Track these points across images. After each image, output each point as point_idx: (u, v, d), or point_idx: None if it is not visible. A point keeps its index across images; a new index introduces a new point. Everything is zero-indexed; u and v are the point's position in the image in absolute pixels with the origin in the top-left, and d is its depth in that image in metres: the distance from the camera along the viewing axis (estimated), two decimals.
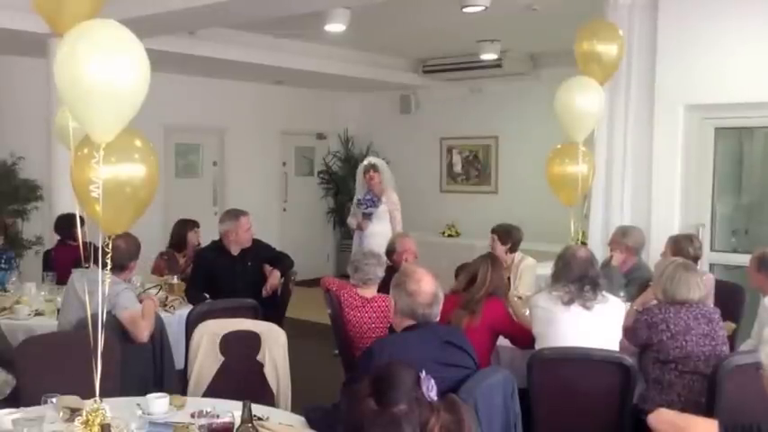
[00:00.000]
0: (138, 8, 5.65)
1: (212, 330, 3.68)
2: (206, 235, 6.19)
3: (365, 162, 7.41)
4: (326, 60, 8.80)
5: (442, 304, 2.97)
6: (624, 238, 4.97)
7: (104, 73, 2.54)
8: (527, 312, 4.07)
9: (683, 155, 5.56)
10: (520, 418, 3.05)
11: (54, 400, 2.82)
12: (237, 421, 2.51)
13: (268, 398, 3.47)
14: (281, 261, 5.57)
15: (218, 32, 7.43)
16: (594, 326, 3.65)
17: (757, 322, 4.00)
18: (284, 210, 10.89)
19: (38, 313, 4.70)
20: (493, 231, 5.46)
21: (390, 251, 5.29)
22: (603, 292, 3.74)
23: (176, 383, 3.84)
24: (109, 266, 2.75)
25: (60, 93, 2.65)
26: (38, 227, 7.59)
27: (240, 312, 4.22)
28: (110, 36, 2.60)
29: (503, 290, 4.14)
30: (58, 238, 5.98)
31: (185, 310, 4.60)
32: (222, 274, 5.24)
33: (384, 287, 4.28)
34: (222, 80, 9.54)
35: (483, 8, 6.17)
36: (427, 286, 2.90)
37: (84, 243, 3.39)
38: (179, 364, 3.99)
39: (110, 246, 2.76)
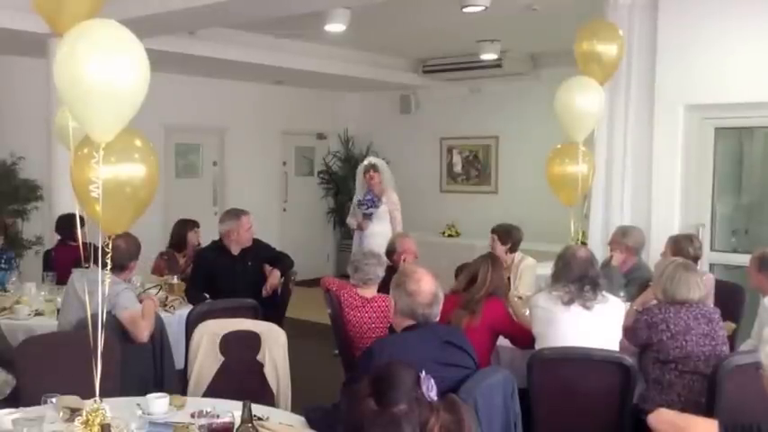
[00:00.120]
0: (138, 8, 5.65)
1: (212, 330, 3.68)
2: (206, 235, 6.19)
3: (365, 162, 7.41)
4: (326, 60, 8.80)
5: (441, 304, 2.97)
6: (624, 238, 4.97)
7: (104, 73, 2.54)
8: (527, 312, 4.06)
9: (683, 155, 5.56)
10: (520, 418, 3.05)
11: (54, 400, 2.82)
12: (237, 421, 2.51)
13: (268, 398, 3.47)
14: (281, 261, 5.57)
15: (218, 32, 7.43)
16: (594, 326, 3.65)
17: (757, 322, 3.99)
18: (284, 210, 10.89)
19: (38, 313, 4.70)
20: (493, 231, 5.46)
21: (390, 251, 5.29)
22: (603, 292, 3.74)
23: (176, 383, 3.84)
24: (109, 266, 2.75)
25: (60, 93, 2.65)
26: (38, 227, 7.59)
27: (240, 312, 4.22)
28: (109, 36, 2.60)
29: (503, 290, 4.14)
30: (59, 238, 5.98)
31: (185, 310, 4.60)
32: (222, 274, 5.24)
33: (384, 287, 4.28)
34: (222, 80, 9.55)
35: (483, 8, 6.16)
36: (427, 286, 2.90)
37: (84, 243, 3.39)
38: (179, 364, 3.99)
39: (110, 246, 2.76)
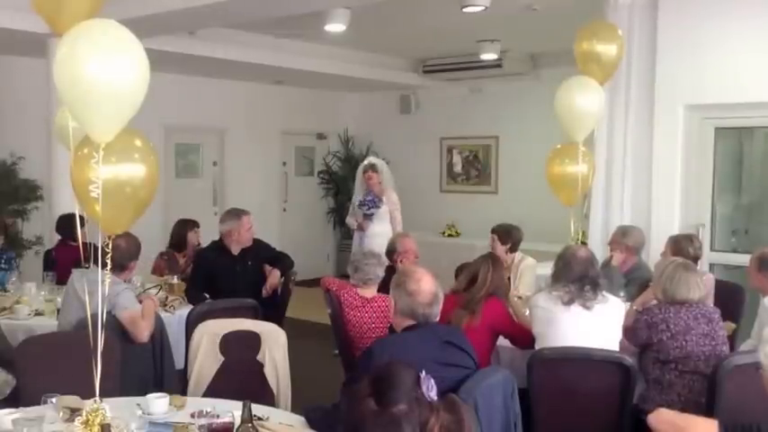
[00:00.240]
0: (138, 8, 5.65)
1: (212, 330, 3.68)
2: (206, 235, 6.19)
3: (365, 162, 7.42)
4: (326, 60, 8.80)
5: (441, 304, 2.97)
6: (624, 238, 4.97)
7: (104, 73, 2.54)
8: (527, 312, 4.06)
9: (683, 155, 5.56)
10: (520, 418, 3.05)
11: (54, 400, 2.81)
12: (237, 421, 2.51)
13: (268, 398, 3.47)
14: (281, 261, 5.57)
15: (218, 32, 7.43)
16: (594, 326, 3.65)
17: (757, 322, 3.99)
18: (284, 210, 10.89)
19: (38, 313, 4.70)
20: (493, 231, 5.46)
21: (391, 251, 5.29)
22: (603, 292, 3.74)
23: (176, 383, 3.84)
24: (109, 266, 2.75)
25: (60, 93, 2.65)
26: (38, 227, 7.59)
27: (240, 312, 4.22)
28: (109, 36, 2.60)
29: (503, 290, 4.14)
30: (59, 238, 5.98)
31: (185, 310, 4.60)
32: (222, 273, 5.24)
33: (384, 287, 4.28)
34: (222, 80, 9.55)
35: (483, 8, 6.16)
36: (427, 286, 2.91)
37: (85, 243, 3.38)
38: (179, 364, 3.99)
39: (110, 246, 2.76)
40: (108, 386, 2.77)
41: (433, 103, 10.58)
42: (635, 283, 4.70)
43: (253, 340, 3.65)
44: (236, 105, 9.93)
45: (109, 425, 2.54)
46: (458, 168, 10.55)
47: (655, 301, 3.83)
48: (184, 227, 6.28)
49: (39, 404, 2.81)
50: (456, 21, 6.98)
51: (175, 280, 5.26)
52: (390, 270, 4.69)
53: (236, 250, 5.37)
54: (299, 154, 11.12)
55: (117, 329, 3.74)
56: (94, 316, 2.75)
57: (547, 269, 4.21)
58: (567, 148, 4.88)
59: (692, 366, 3.53)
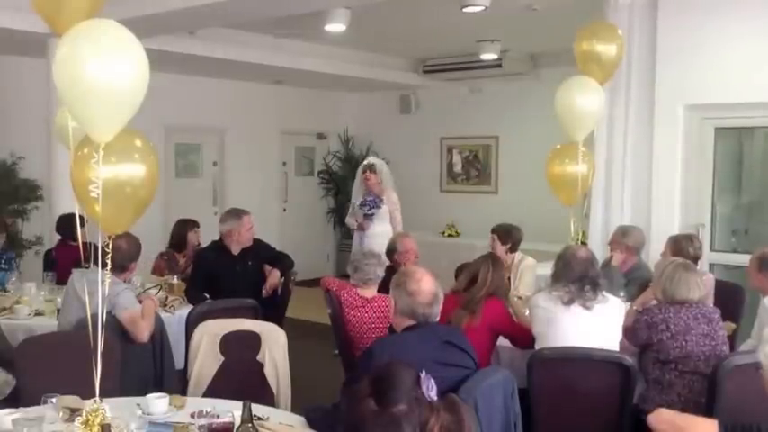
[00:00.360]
0: (138, 8, 5.65)
1: (212, 330, 3.68)
2: (206, 235, 6.19)
3: (365, 161, 7.42)
4: (326, 60, 8.80)
5: (442, 304, 2.97)
6: (624, 238, 4.97)
7: (104, 73, 2.54)
8: (527, 312, 4.06)
9: (683, 155, 5.56)
10: (520, 418, 3.05)
11: (54, 400, 2.81)
12: (237, 421, 2.51)
13: (268, 398, 3.47)
14: (281, 261, 5.57)
15: (218, 32, 7.42)
16: (594, 326, 3.65)
17: (757, 322, 3.99)
18: (284, 210, 10.89)
19: (38, 313, 4.70)
20: (493, 231, 5.46)
21: (391, 251, 5.29)
22: (603, 292, 3.74)
23: (176, 383, 3.84)
24: (109, 266, 2.75)
25: (60, 93, 2.65)
26: (38, 227, 7.59)
27: (240, 312, 4.22)
28: (109, 36, 2.60)
29: (503, 290, 4.14)
30: (59, 238, 5.98)
31: (185, 310, 4.60)
32: (222, 273, 5.24)
33: (384, 287, 4.28)
34: (222, 80, 9.54)
35: (483, 8, 6.17)
36: (427, 286, 2.91)
37: (85, 243, 3.38)
38: (179, 364, 3.99)
39: (110, 246, 2.76)
40: (108, 386, 2.77)
41: (433, 103, 10.58)
42: (635, 283, 4.70)
43: (253, 340, 3.65)
44: (236, 105, 9.93)
45: (109, 425, 2.54)
46: (458, 168, 10.55)
47: (655, 301, 3.83)
48: (184, 227, 6.27)
49: (39, 404, 2.81)
50: (456, 21, 6.98)
51: (175, 280, 5.26)
52: (390, 270, 4.69)
53: (236, 250, 5.37)
54: (299, 154, 11.12)
55: (117, 329, 3.75)
56: (94, 316, 2.75)
57: (547, 269, 4.21)
58: (567, 148, 4.88)
59: (692, 366, 3.53)
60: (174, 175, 9.60)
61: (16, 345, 3.72)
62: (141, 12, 5.69)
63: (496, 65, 8.86)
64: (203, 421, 2.73)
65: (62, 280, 4.90)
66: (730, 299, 4.59)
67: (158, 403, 2.86)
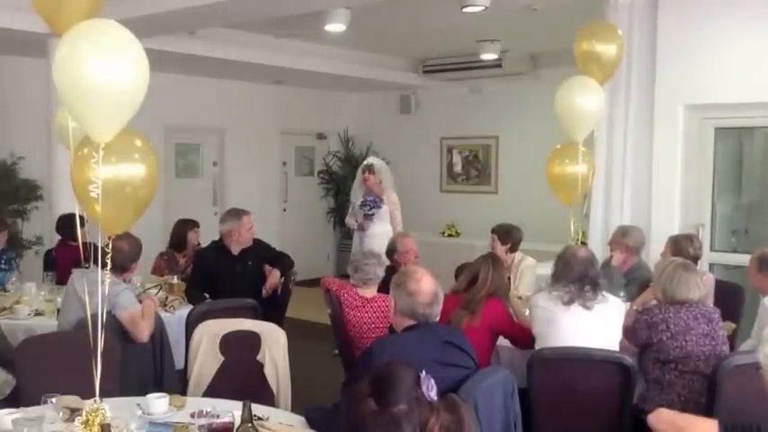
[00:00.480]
0: (138, 8, 5.65)
1: (212, 330, 3.68)
2: (206, 235, 6.19)
3: (364, 162, 7.42)
4: (326, 60, 8.80)
5: (442, 304, 2.97)
6: (624, 238, 4.97)
7: (104, 73, 2.54)
8: (527, 312, 4.06)
9: (683, 155, 5.56)
10: (520, 418, 3.05)
11: (54, 400, 2.81)
12: (237, 421, 2.51)
13: (268, 398, 3.47)
14: (281, 261, 5.57)
15: (218, 32, 7.42)
16: (594, 326, 3.65)
17: (757, 322, 3.99)
18: (284, 210, 10.89)
19: (38, 313, 4.70)
20: (493, 231, 5.46)
21: (391, 251, 5.29)
22: (603, 292, 3.74)
23: (176, 383, 3.84)
24: (109, 266, 2.75)
25: (60, 93, 2.65)
26: (38, 227, 7.59)
27: (240, 312, 4.22)
28: (109, 36, 2.60)
29: (503, 290, 4.14)
30: (59, 238, 5.98)
31: (185, 310, 4.60)
32: (222, 273, 5.24)
33: (384, 287, 4.28)
34: (222, 80, 9.54)
35: (483, 8, 6.16)
36: (427, 286, 2.91)
37: (85, 243, 3.39)
38: (179, 364, 3.99)
39: (110, 246, 2.76)
40: (108, 386, 2.77)
41: (433, 103, 10.58)
42: (635, 283, 4.70)
43: (253, 340, 3.65)
44: (236, 105, 9.93)
45: (109, 425, 2.54)
46: (458, 168, 10.55)
47: (654, 301, 3.83)
48: (184, 227, 6.27)
49: (39, 404, 2.81)
50: (456, 21, 6.98)
51: (175, 280, 5.26)
52: (390, 270, 4.69)
53: (236, 250, 5.37)
54: (299, 154, 11.12)
55: (117, 329, 3.75)
56: (94, 316, 2.75)
57: (547, 269, 4.21)
58: (567, 148, 4.88)
59: (692, 366, 3.53)
60: (174, 175, 9.60)
61: (16, 345, 3.72)
62: (141, 12, 5.69)
63: (496, 65, 8.86)
64: (203, 421, 2.73)
65: (62, 280, 4.90)
66: (730, 299, 4.59)
67: (158, 403, 2.86)
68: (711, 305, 3.84)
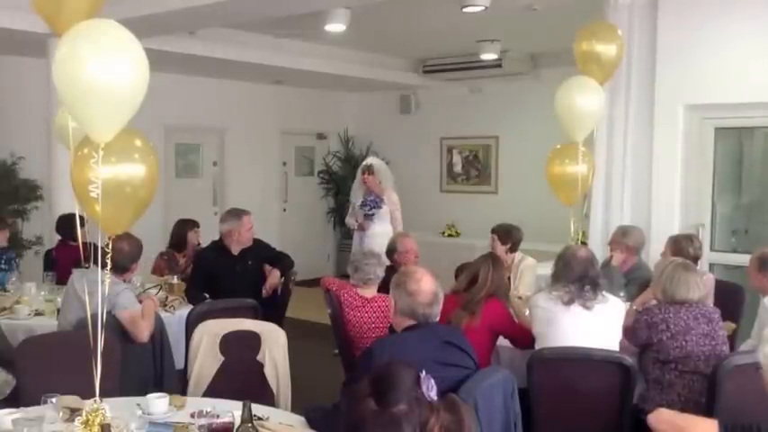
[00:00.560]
0: (138, 8, 5.65)
1: (212, 330, 3.68)
2: (206, 235, 6.19)
3: (364, 162, 7.42)
4: (326, 60, 8.80)
5: (442, 304, 2.97)
6: (624, 238, 4.97)
7: (103, 73, 2.54)
8: (527, 312, 4.06)
9: (683, 155, 5.56)
10: (520, 418, 3.05)
11: (54, 400, 2.82)
12: (237, 421, 2.51)
13: (268, 398, 3.47)
14: (281, 261, 5.57)
15: (218, 32, 7.42)
16: (594, 326, 3.65)
17: (757, 322, 3.99)
18: (284, 210, 10.89)
19: (38, 313, 4.70)
20: (493, 231, 5.46)
21: (391, 251, 5.29)
22: (603, 292, 3.74)
23: (176, 383, 3.84)
24: (109, 267, 2.75)
25: (59, 93, 2.64)
26: (38, 227, 7.59)
27: (240, 312, 4.22)
28: (109, 36, 2.60)
29: (503, 290, 4.14)
30: (59, 238, 5.98)
31: (185, 310, 4.60)
32: (222, 273, 5.24)
33: (384, 287, 4.28)
34: (222, 80, 9.54)
35: (483, 8, 6.16)
36: (427, 286, 2.91)
37: (85, 243, 3.39)
38: (179, 364, 3.99)
39: (111, 247, 2.76)
40: (108, 386, 2.77)
41: (433, 103, 10.58)
42: (635, 283, 4.70)
43: (253, 340, 3.65)
44: (236, 105, 9.93)
45: (109, 425, 2.54)
46: (458, 168, 10.55)
47: (654, 301, 3.83)
48: (184, 227, 6.27)
49: (39, 404, 2.81)
50: (456, 21, 6.97)
51: (175, 280, 5.26)
52: (390, 270, 4.69)
53: (236, 250, 5.37)
54: (299, 154, 11.12)
55: (117, 329, 3.75)
56: (94, 316, 2.75)
57: (547, 269, 4.21)
58: (567, 148, 4.88)
59: (692, 366, 3.53)
60: (174, 175, 9.60)
61: (16, 345, 3.72)
62: (141, 12, 5.69)
63: (496, 65, 8.86)
64: (203, 421, 2.73)
65: (62, 280, 4.90)
66: (730, 299, 4.59)
67: (158, 403, 2.86)
68: (711, 305, 3.84)
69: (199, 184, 9.95)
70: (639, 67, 5.63)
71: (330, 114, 11.19)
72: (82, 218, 3.08)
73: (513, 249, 5.40)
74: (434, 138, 10.60)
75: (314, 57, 8.65)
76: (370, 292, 4.59)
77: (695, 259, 4.54)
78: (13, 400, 3.21)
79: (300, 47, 8.44)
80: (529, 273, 5.38)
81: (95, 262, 3.02)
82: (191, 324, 4.00)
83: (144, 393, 2.96)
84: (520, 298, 4.63)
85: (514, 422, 3.01)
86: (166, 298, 4.98)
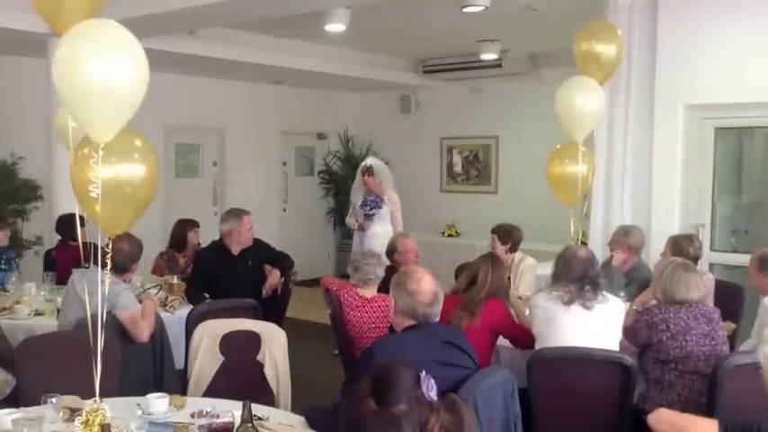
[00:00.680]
0: (138, 8, 5.65)
1: (212, 330, 3.68)
2: (206, 235, 6.19)
3: (363, 163, 7.42)
4: (326, 60, 8.80)
5: (442, 304, 2.97)
6: (627, 238, 4.97)
7: (103, 73, 2.54)
8: (527, 312, 4.06)
9: (683, 155, 5.56)
10: (520, 418, 3.05)
11: (54, 400, 2.82)
12: (237, 421, 2.51)
13: (268, 398, 3.47)
14: (281, 261, 5.57)
15: (218, 32, 7.42)
16: (595, 326, 3.65)
17: (757, 322, 3.99)
18: (284, 210, 10.89)
19: (38, 313, 4.70)
20: (493, 231, 5.46)
21: (391, 251, 5.29)
22: (603, 292, 3.74)
23: (176, 383, 3.84)
24: (109, 267, 2.75)
25: (59, 93, 2.64)
26: (38, 227, 7.59)
27: (240, 312, 4.22)
28: (109, 36, 2.59)
29: (503, 290, 4.14)
30: (59, 238, 5.98)
31: (185, 310, 4.60)
32: (222, 273, 5.24)
33: (384, 287, 4.28)
34: (222, 80, 9.54)
35: (483, 8, 6.16)
36: (427, 286, 2.91)
37: (85, 243, 3.39)
38: (179, 364, 3.99)
39: (111, 247, 2.76)
40: (108, 386, 2.77)
41: (433, 103, 10.58)
42: (635, 283, 4.70)
43: (253, 340, 3.65)
44: (236, 105, 9.93)
45: (109, 425, 2.54)
46: (458, 168, 10.55)
47: (654, 301, 3.83)
48: (184, 227, 6.28)
49: (39, 404, 2.81)
50: (456, 21, 6.97)
51: (175, 280, 5.26)
52: (390, 270, 4.69)
53: (236, 250, 5.37)
54: (299, 154, 11.12)
55: (117, 329, 3.75)
56: (94, 316, 2.75)
57: (547, 269, 4.21)
58: (567, 148, 4.88)
59: (692, 366, 3.53)
60: (174, 175, 9.60)
61: (16, 345, 3.72)
62: (141, 12, 5.69)
63: (496, 65, 8.86)
64: (203, 421, 2.73)
65: (62, 280, 4.90)
66: (730, 299, 4.59)
67: (158, 403, 2.86)
68: (711, 305, 3.84)
69: (199, 184, 9.95)
70: (639, 67, 5.62)
71: (330, 114, 11.19)
72: (82, 218, 3.08)
73: (513, 249, 5.40)
74: (434, 138, 10.60)
75: (314, 57, 8.65)
76: (370, 292, 4.59)
77: (695, 259, 4.54)
78: (13, 400, 3.21)
79: (300, 47, 8.44)
80: (529, 273, 5.38)
81: (95, 262, 3.02)
82: (191, 324, 4.00)
83: (144, 393, 2.96)
84: (520, 298, 4.63)
85: (514, 422, 3.01)
86: (166, 298, 4.98)
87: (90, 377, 2.67)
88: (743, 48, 5.20)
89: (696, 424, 2.17)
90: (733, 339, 4.17)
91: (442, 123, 10.46)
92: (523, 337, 3.90)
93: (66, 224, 5.64)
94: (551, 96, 4.83)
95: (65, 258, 5.41)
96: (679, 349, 3.54)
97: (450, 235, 10.04)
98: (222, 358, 3.62)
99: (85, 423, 2.58)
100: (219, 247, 5.42)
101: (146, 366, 3.94)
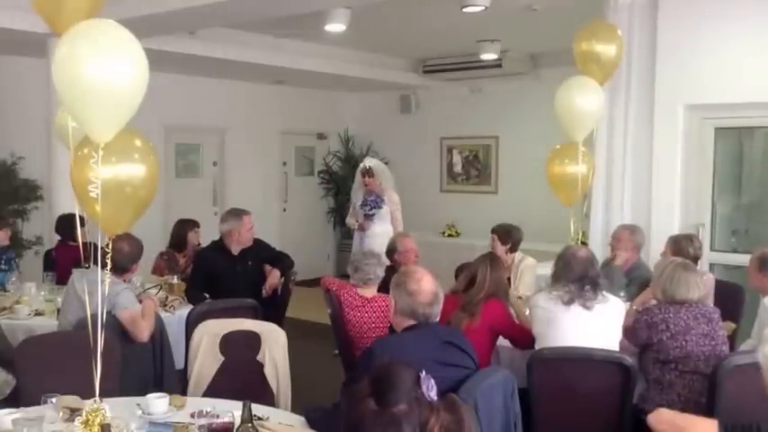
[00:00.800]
0: (138, 8, 5.65)
1: (212, 330, 3.68)
2: (206, 235, 6.19)
3: (362, 163, 7.41)
4: (326, 60, 8.80)
5: (442, 304, 2.97)
6: (633, 236, 4.97)
7: (103, 73, 2.54)
8: (527, 312, 4.06)
9: (683, 155, 5.56)
10: (520, 418, 3.05)
11: (54, 400, 2.82)
12: (237, 421, 2.51)
13: (268, 398, 3.47)
14: (281, 261, 5.57)
15: (218, 32, 7.42)
16: (595, 326, 3.65)
17: (757, 322, 3.99)
18: (284, 210, 10.89)
19: (38, 313, 4.70)
20: (493, 231, 5.46)
21: (391, 251, 5.29)
22: (604, 292, 3.74)
23: (176, 383, 3.84)
24: (109, 267, 2.75)
25: (59, 93, 2.64)
26: (38, 227, 7.59)
27: (240, 312, 4.22)
28: (108, 36, 2.60)
29: (503, 290, 4.13)
30: (59, 238, 5.98)
31: (185, 310, 4.60)
32: (222, 273, 5.24)
33: (384, 287, 4.28)
34: (222, 80, 9.54)
35: (483, 8, 6.16)
36: (427, 286, 2.91)
37: (85, 243, 3.39)
38: (179, 364, 3.99)
39: (110, 246, 2.76)
40: (108, 386, 2.77)
41: (433, 103, 10.58)
42: (635, 282, 4.70)
43: (253, 340, 3.65)
44: (236, 105, 9.93)
45: (109, 425, 2.54)
46: (458, 168, 10.55)
47: (654, 301, 3.83)
48: (184, 227, 6.28)
49: (39, 404, 2.81)
50: (456, 21, 6.97)
51: (175, 280, 5.26)
52: (390, 270, 4.69)
53: (236, 250, 5.37)
54: (299, 154, 11.12)
55: (117, 329, 3.75)
56: (94, 316, 2.75)
57: (547, 269, 4.21)
58: (567, 148, 4.89)
59: (692, 366, 3.53)
60: (174, 175, 9.60)
61: (16, 345, 3.72)
62: (141, 12, 5.69)
63: (496, 65, 8.86)
64: (203, 421, 2.73)
65: (62, 280, 4.90)
66: (730, 299, 4.59)
67: (158, 403, 2.86)
68: (711, 305, 3.84)
69: (199, 184, 9.95)
70: (639, 67, 5.62)
71: (330, 114, 11.19)
72: (82, 218, 3.08)
73: (513, 249, 5.40)
74: (434, 138, 10.60)
75: (314, 57, 8.65)
76: (370, 292, 4.59)
77: (695, 259, 4.54)
78: (13, 400, 3.21)
79: (300, 47, 8.44)
80: (529, 273, 5.38)
81: (95, 262, 3.02)
82: (191, 324, 4.00)
83: (144, 393, 2.96)
84: (520, 298, 4.63)
85: (514, 422, 3.01)
86: (166, 298, 4.98)
87: (90, 377, 2.67)
88: (743, 48, 5.20)
89: (696, 424, 2.17)
90: (733, 339, 4.17)
91: (442, 123, 10.46)
92: (523, 337, 3.90)
93: (66, 224, 5.64)
94: (551, 96, 4.83)
95: (65, 258, 5.41)
96: (679, 349, 3.54)
97: (450, 235, 10.04)
98: (222, 358, 3.63)
99: (85, 423, 2.58)
100: (219, 247, 5.42)
101: (146, 366, 3.94)
